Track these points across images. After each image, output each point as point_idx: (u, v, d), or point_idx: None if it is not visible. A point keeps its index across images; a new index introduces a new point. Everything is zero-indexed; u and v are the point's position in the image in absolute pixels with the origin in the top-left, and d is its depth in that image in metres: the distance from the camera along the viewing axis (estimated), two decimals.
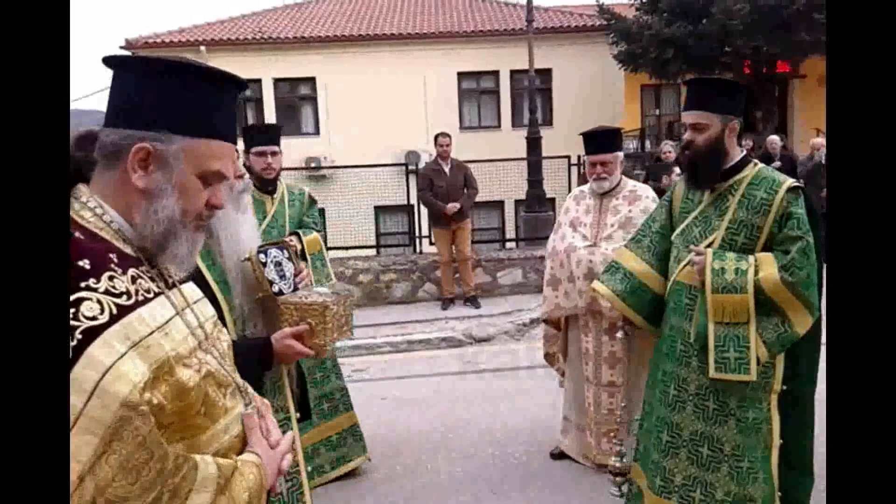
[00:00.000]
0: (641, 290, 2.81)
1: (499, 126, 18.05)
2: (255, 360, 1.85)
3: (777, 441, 2.52)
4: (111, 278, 1.03)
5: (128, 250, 1.11)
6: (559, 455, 3.88)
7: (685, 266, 2.61)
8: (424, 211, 8.76)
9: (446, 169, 7.75)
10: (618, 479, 2.97)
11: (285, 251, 2.16)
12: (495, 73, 18.05)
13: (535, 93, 11.18)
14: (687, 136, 2.60)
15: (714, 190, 2.61)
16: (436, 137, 7.91)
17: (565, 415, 3.88)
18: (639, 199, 3.58)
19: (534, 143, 10.02)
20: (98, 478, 0.93)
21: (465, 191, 7.74)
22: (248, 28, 18.03)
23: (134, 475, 0.96)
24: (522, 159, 10.40)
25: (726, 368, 2.43)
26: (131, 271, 1.08)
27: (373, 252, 9.65)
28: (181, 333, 1.11)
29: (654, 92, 18.51)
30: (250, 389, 1.35)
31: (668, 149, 9.55)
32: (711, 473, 2.56)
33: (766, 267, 2.42)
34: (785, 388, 2.51)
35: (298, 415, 2.20)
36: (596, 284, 2.97)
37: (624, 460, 2.97)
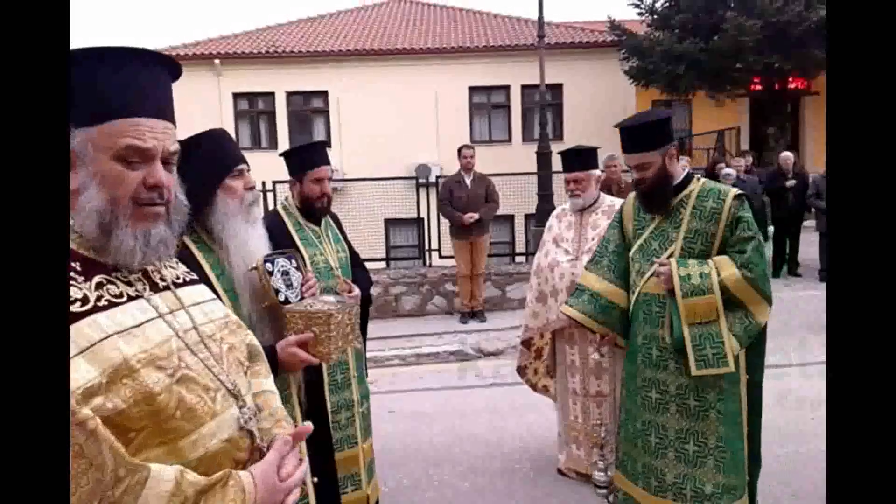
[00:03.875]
0: (609, 307, 3.01)
1: (509, 140, 18.10)
2: None
3: (745, 430, 2.77)
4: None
5: (98, 258, 1.10)
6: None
7: (650, 277, 2.82)
8: (435, 224, 8.75)
9: (468, 181, 7.75)
10: (602, 490, 3.03)
11: (293, 260, 2.17)
12: (506, 88, 18.13)
13: (545, 108, 11.21)
14: (636, 176, 2.83)
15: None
16: (459, 150, 7.91)
17: (559, 431, 3.89)
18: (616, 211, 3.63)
19: (544, 158, 10.04)
20: None
21: (486, 203, 7.73)
22: (262, 42, 18.23)
23: (72, 486, 0.92)
24: (533, 174, 10.42)
25: (706, 364, 2.66)
26: (97, 278, 1.07)
27: (383, 265, 9.66)
28: (160, 336, 1.10)
29: (666, 107, 18.51)
30: (273, 404, 1.34)
31: (683, 163, 9.54)
32: (699, 469, 2.76)
33: (726, 268, 2.67)
34: (747, 376, 2.76)
35: (311, 424, 2.19)
36: (564, 308, 3.13)
37: (608, 473, 3.02)
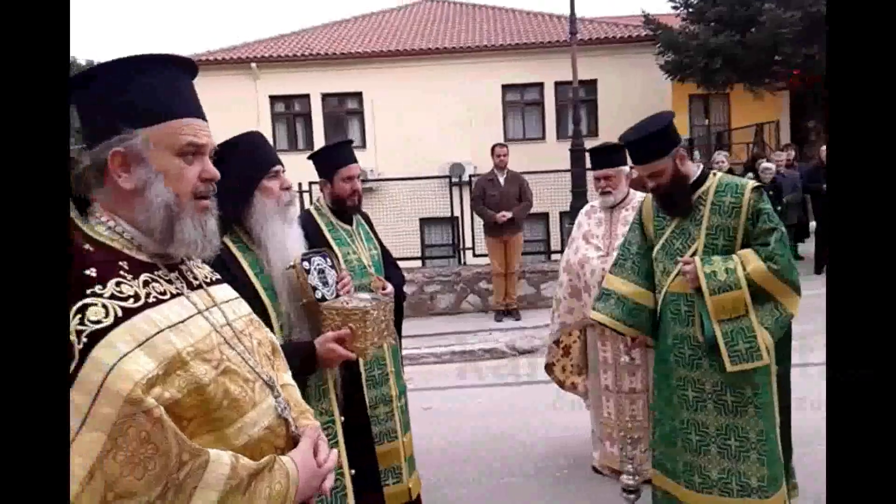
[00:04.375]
0: (637, 310, 3.00)
1: (543, 138, 18.02)
2: (298, 364, 1.91)
3: (777, 420, 2.78)
4: (118, 284, 1.09)
5: (141, 258, 1.17)
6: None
7: (676, 276, 2.81)
8: (469, 223, 8.78)
9: (501, 179, 7.77)
10: (630, 495, 3.05)
11: (328, 259, 2.23)
12: (540, 85, 18.05)
13: (579, 105, 11.15)
14: (650, 185, 2.83)
15: None
16: (493, 148, 7.93)
17: (592, 428, 3.90)
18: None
19: (577, 155, 9.98)
20: (107, 473, 0.98)
21: (519, 202, 7.73)
22: (297, 45, 18.47)
23: (140, 470, 0.99)
24: (566, 171, 10.37)
25: (740, 359, 2.66)
26: (143, 276, 1.14)
27: (418, 264, 9.74)
28: (201, 331, 1.16)
29: (703, 101, 18.25)
30: (295, 396, 1.40)
31: (722, 158, 9.41)
32: (743, 463, 2.77)
33: (752, 261, 2.66)
34: (777, 367, 2.77)
35: (343, 418, 2.25)
36: (593, 313, 3.14)
37: (636, 478, 3.00)
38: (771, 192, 7.92)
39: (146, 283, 1.13)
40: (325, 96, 18.07)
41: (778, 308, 2.68)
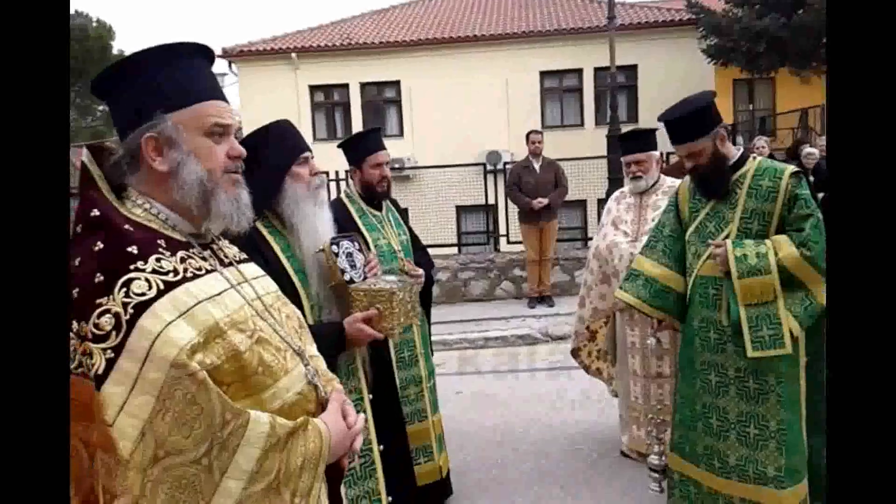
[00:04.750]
0: (664, 292, 2.97)
1: (581, 124, 17.87)
2: (328, 343, 2.00)
3: (804, 412, 2.72)
4: (158, 260, 1.17)
5: (176, 237, 1.25)
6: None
7: (706, 260, 2.78)
8: (503, 210, 8.78)
9: (536, 166, 7.76)
10: (656, 475, 3.09)
11: (356, 243, 2.31)
12: (578, 72, 17.87)
13: (616, 91, 11.04)
14: (689, 165, 2.79)
15: None
16: (528, 135, 7.92)
17: (621, 413, 3.93)
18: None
19: (614, 141, 9.89)
20: (156, 433, 1.06)
21: (555, 189, 7.72)
22: (336, 35, 18.64)
23: (187, 429, 1.07)
24: (602, 157, 10.29)
25: (763, 346, 2.61)
26: (180, 253, 1.22)
27: (454, 251, 9.81)
28: (235, 303, 1.24)
29: (748, 86, 17.83)
30: (322, 366, 1.48)
31: (762, 143, 9.17)
32: (760, 452, 2.74)
33: (784, 247, 2.61)
34: (807, 359, 2.70)
35: (371, 396, 2.33)
36: (619, 293, 3.12)
37: (662, 458, 3.03)
38: (812, 179, 7.75)
39: (183, 260, 1.21)
40: (363, 85, 18.21)
41: (809, 296, 2.62)
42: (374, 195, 3.10)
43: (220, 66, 18.34)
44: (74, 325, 1.08)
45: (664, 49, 16.97)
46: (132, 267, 1.13)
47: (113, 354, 1.06)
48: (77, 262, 1.13)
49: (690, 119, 2.74)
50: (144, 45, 1.34)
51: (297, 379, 1.31)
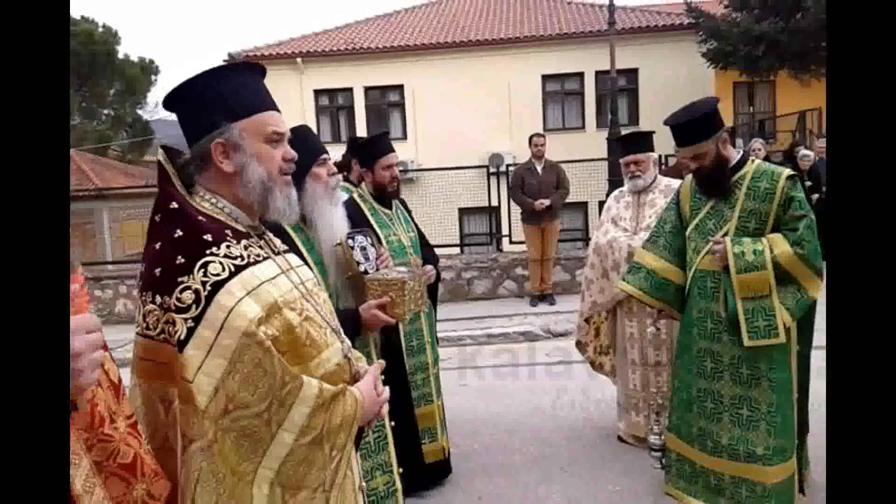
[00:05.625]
0: (665, 284, 3.20)
1: (583, 127, 18.07)
2: (346, 328, 2.21)
3: (795, 396, 2.93)
4: (228, 246, 1.37)
5: (239, 227, 1.46)
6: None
7: (705, 255, 2.99)
8: (506, 211, 8.96)
9: (539, 168, 7.95)
10: (657, 453, 3.33)
11: (369, 237, 2.53)
12: (580, 75, 18.09)
13: (616, 94, 11.23)
14: (693, 166, 3.00)
15: None
16: (530, 138, 8.10)
17: (618, 401, 4.13)
18: (674, 193, 3.79)
19: (615, 144, 10.09)
20: (227, 389, 1.27)
21: (556, 190, 7.92)
22: (341, 39, 18.88)
23: (253, 387, 1.29)
24: (603, 160, 10.49)
25: (758, 335, 2.83)
26: (243, 242, 1.43)
27: (457, 251, 10.01)
28: (287, 286, 1.45)
29: (748, 89, 17.99)
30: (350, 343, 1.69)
31: (758, 145, 9.28)
32: (751, 432, 2.94)
33: (779, 245, 2.83)
34: (798, 347, 2.92)
35: (383, 377, 2.54)
36: (621, 284, 3.34)
37: (661, 437, 3.26)
38: (808, 181, 7.92)
39: (246, 247, 1.42)
40: (367, 89, 18.44)
41: (800, 291, 2.84)
42: (385, 195, 3.33)
43: None
44: (157, 298, 1.30)
45: (664, 53, 17.18)
46: (208, 252, 1.33)
47: (193, 324, 1.27)
48: (158, 246, 1.35)
49: (696, 123, 2.94)
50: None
51: (336, 353, 1.51)
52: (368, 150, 3.36)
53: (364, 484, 1.72)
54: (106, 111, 28.75)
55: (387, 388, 1.61)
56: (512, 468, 3.90)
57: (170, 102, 1.50)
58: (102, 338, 1.06)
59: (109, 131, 28.31)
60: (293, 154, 1.53)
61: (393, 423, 2.50)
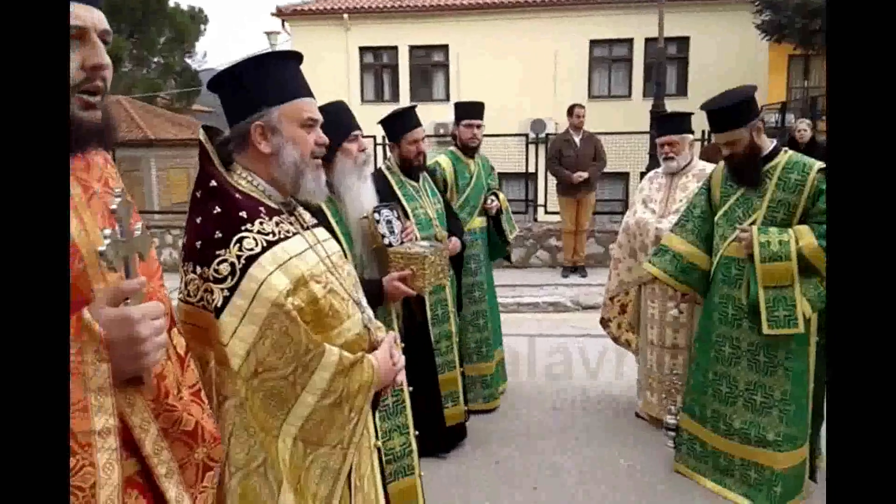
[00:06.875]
0: (690, 268, 3.26)
1: (629, 96, 17.73)
2: (369, 298, 2.32)
3: (811, 387, 2.99)
4: (261, 223, 1.49)
5: (272, 204, 1.57)
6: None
7: (732, 242, 3.03)
8: (542, 180, 8.92)
9: (577, 140, 7.88)
10: (671, 432, 3.41)
11: (395, 211, 2.62)
12: (629, 41, 17.67)
13: (663, 64, 10.98)
14: (726, 152, 3.01)
15: None
16: (570, 108, 8.01)
17: (639, 378, 4.20)
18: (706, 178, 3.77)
19: (657, 117, 9.92)
20: (258, 353, 1.41)
21: (594, 162, 7.88)
22: None
23: (280, 352, 1.42)
24: (644, 132, 10.33)
25: (777, 324, 2.89)
26: (275, 218, 1.54)
27: None
28: (314, 260, 1.56)
29: (804, 63, 17.30)
30: (371, 315, 1.80)
31: (804, 127, 8.72)
32: (764, 418, 3.02)
33: (805, 237, 2.87)
34: (818, 339, 2.96)
35: (403, 344, 2.67)
36: (647, 265, 3.40)
37: (677, 417, 3.34)
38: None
39: (277, 224, 1.53)
40: (412, 48, 18.34)
41: (822, 283, 2.87)
42: (412, 168, 3.42)
43: (273, 24, 18.68)
44: (198, 268, 1.43)
45: (718, 22, 16.65)
46: (243, 228, 1.46)
47: (229, 293, 1.41)
48: (199, 221, 1.48)
49: (731, 110, 2.96)
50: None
51: (356, 323, 1.63)
52: (395, 125, 3.44)
53: (380, 443, 1.86)
54: (156, 59, 29.10)
55: (402, 356, 1.73)
56: (528, 435, 4.02)
57: (215, 85, 1.62)
58: (166, 323, 1.15)
59: (159, 80, 28.73)
60: (325, 139, 1.64)
61: (411, 388, 2.62)
